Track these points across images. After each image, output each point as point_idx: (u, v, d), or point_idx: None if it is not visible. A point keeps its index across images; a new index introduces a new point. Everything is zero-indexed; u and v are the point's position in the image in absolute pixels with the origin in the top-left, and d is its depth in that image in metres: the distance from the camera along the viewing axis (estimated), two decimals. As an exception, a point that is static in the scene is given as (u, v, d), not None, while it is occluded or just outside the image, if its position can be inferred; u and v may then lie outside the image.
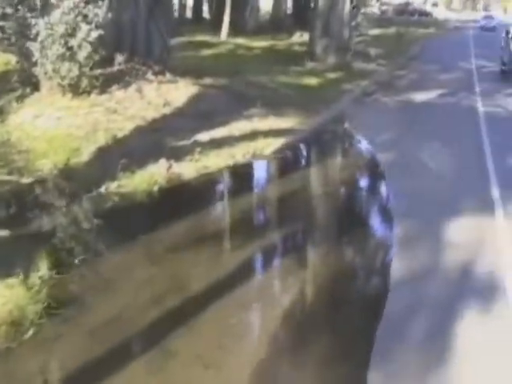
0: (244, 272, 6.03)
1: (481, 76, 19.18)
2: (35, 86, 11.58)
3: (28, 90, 11.52)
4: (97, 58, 11.25)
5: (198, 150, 9.31)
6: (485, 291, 5.75)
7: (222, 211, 7.87)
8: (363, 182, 9.87)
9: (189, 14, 34.67)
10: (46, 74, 11.16)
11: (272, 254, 6.71)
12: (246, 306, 5.55)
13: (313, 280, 6.18)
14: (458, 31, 43.49)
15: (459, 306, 5.48)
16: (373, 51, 20.45)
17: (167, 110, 10.97)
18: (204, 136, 10.14)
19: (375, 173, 9.63)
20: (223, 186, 8.79)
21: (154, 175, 8.43)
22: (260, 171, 9.66)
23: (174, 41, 21.24)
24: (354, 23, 19.17)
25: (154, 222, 7.12)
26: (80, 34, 10.97)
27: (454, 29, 46.04)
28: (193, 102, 11.35)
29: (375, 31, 28.75)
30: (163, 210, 7.68)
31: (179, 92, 11.64)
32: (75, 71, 11.04)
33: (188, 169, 8.82)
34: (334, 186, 9.22)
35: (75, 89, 11.29)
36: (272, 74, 15.64)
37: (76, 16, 11.12)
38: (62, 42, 10.99)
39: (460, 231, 7.15)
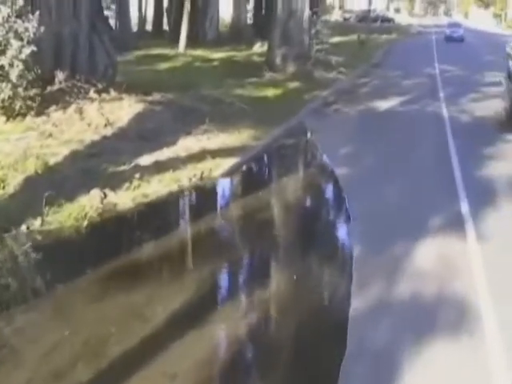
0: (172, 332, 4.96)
1: (445, 81, 18.32)
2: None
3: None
4: (30, 77, 10.14)
5: (137, 176, 8.26)
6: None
7: (154, 250, 6.75)
8: (318, 207, 8.68)
9: (149, 27, 33.60)
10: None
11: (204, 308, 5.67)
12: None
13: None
14: (421, 36, 42.89)
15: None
16: (334, 59, 19.51)
17: (108, 132, 9.90)
18: (147, 159, 9.08)
19: (333, 195, 8.59)
20: (161, 217, 7.65)
21: (84, 207, 7.36)
22: (206, 197, 8.57)
23: (130, 55, 20.36)
24: (313, 31, 18.22)
25: (74, 268, 6.04)
26: (10, 52, 9.87)
27: (417, 34, 45.46)
28: (137, 122, 10.29)
29: (337, 39, 27.89)
30: (87, 252, 6.61)
31: (123, 111, 10.57)
32: (7, 92, 9.93)
33: (125, 198, 7.75)
34: (284, 214, 8.14)
35: (8, 111, 10.20)
36: (227, 86, 14.65)
37: (7, 32, 10.03)
38: (-9, 61, 9.91)
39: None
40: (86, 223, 7.01)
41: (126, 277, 5.87)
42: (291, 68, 17.43)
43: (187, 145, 9.84)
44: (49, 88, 11.21)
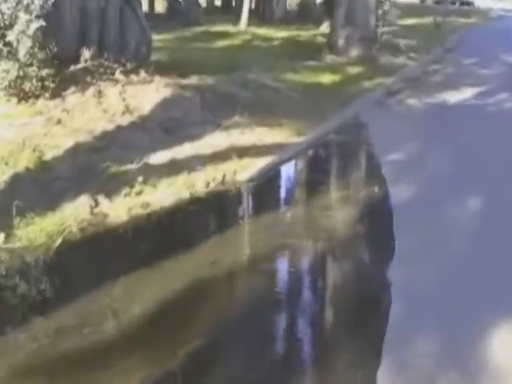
0: None
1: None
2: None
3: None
4: (41, 55, 8.61)
5: (141, 178, 6.61)
6: None
7: (140, 284, 5.03)
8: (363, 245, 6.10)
9: (218, 2, 32.15)
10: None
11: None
12: None
13: None
14: (502, 20, 39.60)
15: None
16: (404, 43, 17.31)
17: (125, 120, 8.27)
18: (161, 156, 7.42)
19: (383, 226, 6.49)
20: (157, 239, 5.88)
21: (66, 219, 5.77)
22: (221, 209, 6.80)
23: (188, 31, 18.74)
24: (380, 11, 16.09)
25: (32, 306, 4.47)
26: (18, 27, 8.34)
27: (498, 18, 42.11)
28: (161, 109, 8.62)
29: (411, 21, 25.53)
30: (53, 283, 4.98)
31: (148, 96, 8.91)
32: (14, 71, 8.43)
33: (120, 208, 6.13)
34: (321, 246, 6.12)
35: (19, 92, 8.72)
36: (279, 69, 12.80)
37: (16, 3, 8.50)
38: (-2, 36, 8.43)
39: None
40: (59, 242, 5.40)
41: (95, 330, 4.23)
42: (354, 51, 15.40)
43: (214, 139, 8.12)
44: (72, 67, 9.67)
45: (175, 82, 9.55)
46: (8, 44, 8.41)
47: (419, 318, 4.49)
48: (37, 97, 8.85)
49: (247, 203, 7.00)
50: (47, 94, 8.84)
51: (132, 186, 6.50)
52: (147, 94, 8.99)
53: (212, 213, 6.47)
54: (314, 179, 7.86)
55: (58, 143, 7.51)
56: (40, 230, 5.51)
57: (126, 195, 6.37)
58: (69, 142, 7.48)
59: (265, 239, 5.76)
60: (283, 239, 5.75)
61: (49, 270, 5.06)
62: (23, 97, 8.77)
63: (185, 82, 9.90)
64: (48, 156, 7.15)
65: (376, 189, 7.33)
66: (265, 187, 7.27)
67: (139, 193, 6.46)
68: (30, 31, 8.26)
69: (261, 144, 8.17)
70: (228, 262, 5.27)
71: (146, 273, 5.00)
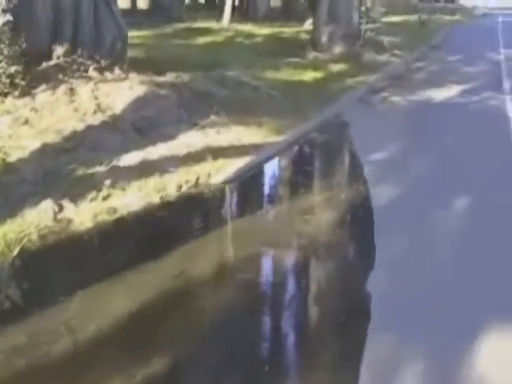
0: None
1: (511, 70, 15.60)
2: None
3: None
4: (8, 51, 8.19)
5: (108, 182, 6.22)
6: None
7: (100, 298, 4.63)
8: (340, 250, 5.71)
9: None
10: None
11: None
12: None
13: None
14: (486, 18, 39.39)
15: None
16: (387, 40, 16.99)
17: (96, 120, 7.86)
18: (132, 157, 7.04)
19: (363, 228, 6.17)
20: (121, 247, 5.49)
21: (27, 226, 5.38)
22: (192, 215, 6.40)
23: (169, 28, 18.33)
24: (364, 8, 15.75)
25: None
26: (-18, 22, 7.93)
27: (482, 16, 41.92)
28: (134, 108, 8.23)
29: (395, 18, 25.25)
30: (5, 297, 4.59)
31: (121, 94, 8.51)
32: (-22, 69, 8.02)
33: (85, 213, 5.74)
34: (295, 249, 5.72)
35: (-14, 91, 8.30)
36: (260, 67, 12.44)
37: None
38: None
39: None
40: (16, 251, 5.01)
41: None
42: (337, 48, 15.06)
43: (189, 139, 7.75)
44: (44, 64, 9.24)
45: (150, 80, 9.16)
46: (-27, 40, 7.98)
47: (400, 329, 4.14)
48: (5, 95, 8.42)
49: (221, 208, 6.61)
50: (16, 93, 8.41)
51: (99, 190, 6.12)
52: (121, 92, 8.59)
53: (183, 218, 6.07)
54: (293, 181, 7.52)
55: (24, 144, 7.11)
56: (-2, 238, 5.11)
57: (92, 200, 5.99)
58: (35, 143, 7.08)
59: (238, 247, 5.40)
60: (257, 246, 5.39)
61: (1, 283, 4.65)
62: (-10, 95, 8.32)
63: (160, 79, 9.52)
64: (12, 158, 6.76)
65: (357, 191, 6.97)
66: (240, 190, 6.92)
67: (106, 197, 6.07)
68: (-4, 26, 7.83)
69: (238, 144, 7.81)
70: (197, 273, 4.90)
71: (107, 285, 4.61)
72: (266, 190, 7.38)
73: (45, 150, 6.92)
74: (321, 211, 6.48)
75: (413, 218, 6.06)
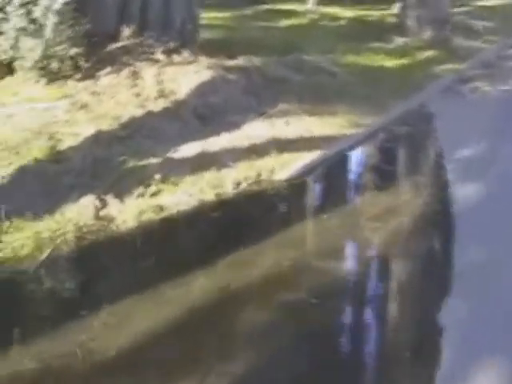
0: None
1: None
2: (9, 68, 8.24)
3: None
4: (70, 32, 7.70)
5: (159, 176, 5.59)
6: None
7: (129, 314, 3.96)
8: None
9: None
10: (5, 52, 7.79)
11: None
12: None
13: None
14: None
15: None
16: (479, 24, 15.61)
17: (158, 106, 7.27)
18: (190, 149, 6.39)
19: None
20: (169, 249, 4.85)
21: (65, 224, 4.83)
22: (251, 215, 5.65)
23: (250, 9, 17.59)
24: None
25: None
26: (44, 2, 7.44)
27: None
28: (199, 94, 7.58)
29: (490, 2, 23.49)
30: (22, 310, 4.02)
31: (187, 78, 7.88)
32: (38, 51, 7.55)
33: (129, 211, 5.15)
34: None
35: (48, 73, 7.85)
36: (340, 51, 11.49)
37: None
38: (24, 11, 7.55)
39: None
40: (46, 254, 4.45)
41: None
42: (425, 33, 13.84)
43: (254, 130, 7.02)
44: (110, 46, 8.72)
45: (220, 64, 8.45)
46: (34, 21, 7.50)
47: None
48: (67, 77, 7.95)
49: (280, 209, 5.84)
50: (79, 75, 7.93)
51: (148, 185, 5.51)
52: (186, 77, 7.95)
53: (237, 221, 5.35)
54: (367, 180, 6.68)
55: (78, 131, 6.59)
56: (28, 238, 4.56)
57: (140, 196, 5.38)
58: (90, 130, 6.55)
59: (293, 259, 4.64)
60: (315, 260, 4.62)
61: (21, 292, 4.09)
62: (52, 78, 7.88)
63: (231, 63, 8.78)
64: (64, 145, 6.25)
65: (441, 193, 6.06)
66: (305, 189, 6.13)
67: (155, 193, 5.45)
68: (57, 6, 7.32)
69: (308, 136, 7.02)
70: (242, 288, 4.18)
71: (139, 299, 3.97)
72: (335, 190, 6.53)
73: (98, 138, 6.38)
74: (394, 217, 5.61)
75: (504, 225, 5.13)
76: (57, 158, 5.93)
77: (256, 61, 9.24)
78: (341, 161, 7.03)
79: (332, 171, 6.71)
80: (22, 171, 5.65)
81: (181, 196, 5.41)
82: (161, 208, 5.21)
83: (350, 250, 5.20)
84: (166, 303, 3.97)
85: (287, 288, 4.27)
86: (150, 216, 5.08)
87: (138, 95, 7.52)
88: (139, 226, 4.92)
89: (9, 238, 4.59)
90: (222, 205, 5.39)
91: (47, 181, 5.46)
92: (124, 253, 4.62)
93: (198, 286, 4.22)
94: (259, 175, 6.00)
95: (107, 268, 4.48)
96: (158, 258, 4.60)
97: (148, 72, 8.05)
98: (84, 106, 7.22)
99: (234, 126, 7.01)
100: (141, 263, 4.52)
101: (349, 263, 4.85)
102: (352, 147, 7.23)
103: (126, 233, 4.83)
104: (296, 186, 6.03)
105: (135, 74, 8.01)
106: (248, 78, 8.22)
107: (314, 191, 6.25)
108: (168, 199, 5.34)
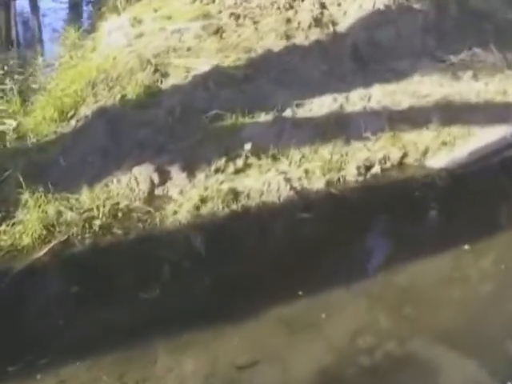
0: None
1: None
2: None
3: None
4: None
5: (249, 146, 4.00)
6: None
7: None
8: None
9: None
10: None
11: None
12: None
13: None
14: None
15: None
16: None
17: (307, 38, 5.59)
18: (318, 105, 4.66)
19: None
20: (227, 256, 3.25)
21: (103, 201, 3.54)
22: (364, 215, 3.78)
23: None
24: None
25: None
26: None
27: None
28: (365, 24, 5.71)
29: None
30: None
31: (357, 3, 5.98)
32: None
33: (193, 194, 3.64)
34: None
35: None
36: None
37: None
38: None
39: None
40: (46, 249, 3.17)
41: None
42: None
43: (421, 85, 4.99)
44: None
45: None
46: None
47: None
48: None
49: (421, 210, 3.89)
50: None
51: (235, 157, 3.92)
52: (358, 1, 6.00)
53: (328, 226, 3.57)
54: None
55: (193, 64, 5.15)
56: (39, 219, 3.30)
57: (217, 171, 3.82)
58: (205, 66, 5.06)
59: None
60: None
61: None
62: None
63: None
64: (164, 84, 4.84)
65: None
66: (464, 186, 4.07)
67: (239, 170, 3.85)
68: None
69: (500, 101, 4.83)
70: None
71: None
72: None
73: (207, 78, 4.85)
74: None
75: None
76: (144, 102, 4.56)
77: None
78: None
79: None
80: (96, 114, 4.39)
81: (261, 181, 3.75)
82: (235, 194, 3.62)
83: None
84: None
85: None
86: (216, 205, 3.53)
87: (288, 21, 5.80)
88: (191, 222, 3.41)
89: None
90: (322, 201, 3.65)
91: (120, 134, 4.14)
92: (153, 258, 3.17)
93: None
94: (403, 157, 4.11)
95: (118, 279, 3.08)
96: (201, 273, 3.09)
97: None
98: (217, 32, 5.71)
99: (395, 74, 5.07)
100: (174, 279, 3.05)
101: None
102: None
103: (171, 227, 3.36)
104: (451, 179, 4.03)
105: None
106: (439, 8, 6.01)
107: (473, 192, 4.07)
108: (249, 182, 3.73)
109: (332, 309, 2.81)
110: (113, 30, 6.30)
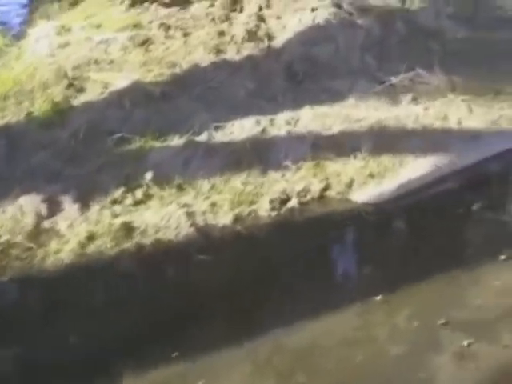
0: None
1: None
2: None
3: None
4: None
5: (150, 175, 3.60)
6: None
7: None
8: None
9: None
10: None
11: None
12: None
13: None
14: None
15: None
16: None
17: (238, 52, 5.29)
18: (241, 127, 4.32)
19: None
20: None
21: None
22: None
23: None
24: None
25: None
26: None
27: None
28: (303, 40, 5.40)
29: None
30: None
31: (297, 17, 5.76)
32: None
33: (80, 230, 3.22)
34: None
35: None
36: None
37: None
38: None
39: None
40: None
41: None
42: None
43: (355, 108, 4.64)
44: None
45: (353, 2, 5.96)
46: None
47: None
48: (155, 0, 6.12)
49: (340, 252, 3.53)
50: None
51: (135, 188, 3.51)
52: (297, 15, 5.66)
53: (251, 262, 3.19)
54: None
55: (111, 79, 4.76)
56: None
57: (113, 203, 3.41)
58: (124, 81, 4.67)
59: None
60: None
61: None
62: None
63: (375, 2, 6.21)
64: (76, 100, 4.44)
65: None
66: (387, 228, 3.70)
67: (139, 202, 3.44)
68: None
69: (437, 128, 4.49)
70: None
71: None
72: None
73: (123, 96, 4.45)
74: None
75: None
76: (51, 119, 4.14)
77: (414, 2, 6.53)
78: (475, 177, 4.30)
79: (450, 198, 4.05)
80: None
81: (172, 212, 3.35)
82: (128, 231, 3.21)
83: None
84: None
85: None
86: (105, 245, 3.11)
87: (220, 34, 5.44)
88: (77, 261, 2.99)
89: None
90: (225, 241, 3.25)
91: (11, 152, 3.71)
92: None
93: None
94: (326, 188, 3.73)
95: None
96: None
97: (251, 3, 5.88)
98: (144, 43, 5.32)
99: (329, 95, 4.70)
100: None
101: None
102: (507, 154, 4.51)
103: (47, 273, 2.93)
104: (380, 213, 3.66)
105: (235, 4, 5.88)
106: (384, 25, 5.68)
107: (399, 231, 3.72)
108: (149, 216, 3.33)
109: (212, 375, 2.42)
110: (40, 38, 5.90)
